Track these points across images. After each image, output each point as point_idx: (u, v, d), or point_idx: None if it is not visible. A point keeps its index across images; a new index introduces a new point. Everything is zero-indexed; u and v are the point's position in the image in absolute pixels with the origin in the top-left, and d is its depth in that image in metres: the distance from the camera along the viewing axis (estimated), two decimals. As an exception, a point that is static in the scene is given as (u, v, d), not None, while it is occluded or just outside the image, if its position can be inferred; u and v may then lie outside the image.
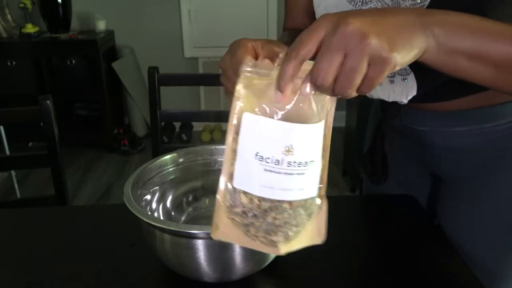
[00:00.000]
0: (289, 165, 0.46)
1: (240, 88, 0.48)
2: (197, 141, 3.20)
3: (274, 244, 0.50)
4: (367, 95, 0.70)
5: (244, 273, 0.68)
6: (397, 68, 0.44)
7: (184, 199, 0.84)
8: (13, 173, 2.27)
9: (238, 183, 0.48)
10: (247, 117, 0.47)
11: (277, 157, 0.46)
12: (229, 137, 0.48)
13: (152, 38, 3.15)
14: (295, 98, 0.46)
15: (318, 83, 0.43)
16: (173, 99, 2.87)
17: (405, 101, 0.71)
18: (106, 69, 2.92)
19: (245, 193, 0.48)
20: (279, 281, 0.72)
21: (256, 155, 0.47)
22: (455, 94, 0.72)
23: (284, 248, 0.50)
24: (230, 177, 0.49)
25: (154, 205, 0.79)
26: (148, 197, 0.77)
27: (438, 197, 0.88)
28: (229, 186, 0.49)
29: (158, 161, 0.80)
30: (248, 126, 0.47)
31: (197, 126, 3.31)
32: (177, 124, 3.26)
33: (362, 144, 0.97)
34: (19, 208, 1.20)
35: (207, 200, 0.85)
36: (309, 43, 0.44)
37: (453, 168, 0.80)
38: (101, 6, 3.07)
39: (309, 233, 0.51)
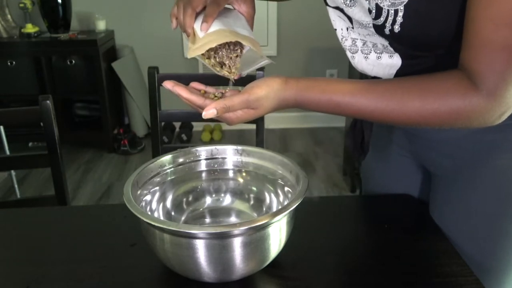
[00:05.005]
0: None
1: None
2: (197, 141, 3.19)
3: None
4: (352, 64, 0.76)
5: (244, 273, 0.68)
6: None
7: (184, 199, 0.84)
8: (13, 173, 2.27)
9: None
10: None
11: None
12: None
13: (152, 38, 3.14)
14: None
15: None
16: (173, 99, 2.85)
17: (384, 77, 0.74)
18: (106, 69, 2.91)
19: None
20: (279, 281, 0.72)
21: None
22: None
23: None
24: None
25: (154, 205, 0.79)
26: (148, 197, 0.77)
27: (429, 191, 0.89)
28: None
29: (158, 161, 0.80)
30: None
31: (197, 126, 3.30)
32: (177, 124, 3.26)
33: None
34: (19, 208, 1.20)
35: (207, 200, 0.85)
36: None
37: (441, 161, 0.81)
38: (101, 6, 3.06)
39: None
